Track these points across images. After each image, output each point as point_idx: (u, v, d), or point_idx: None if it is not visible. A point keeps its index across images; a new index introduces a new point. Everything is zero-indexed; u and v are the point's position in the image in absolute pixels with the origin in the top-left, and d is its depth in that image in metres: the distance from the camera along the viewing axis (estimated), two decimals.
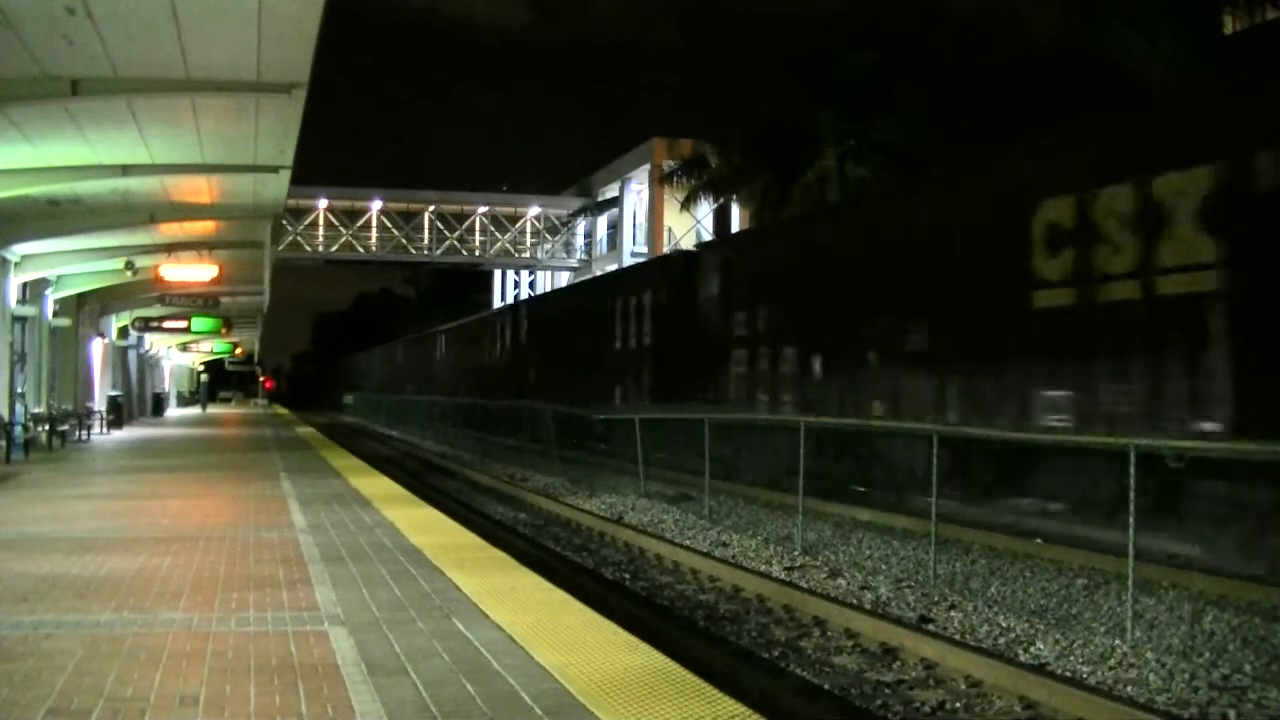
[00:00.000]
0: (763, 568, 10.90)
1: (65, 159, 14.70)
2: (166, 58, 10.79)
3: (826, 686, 7.05)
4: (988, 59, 24.30)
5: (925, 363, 14.10)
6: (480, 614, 6.22)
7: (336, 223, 51.40)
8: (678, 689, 4.71)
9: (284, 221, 42.94)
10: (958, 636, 7.99)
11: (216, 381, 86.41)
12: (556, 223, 54.57)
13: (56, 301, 24.64)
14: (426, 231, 52.40)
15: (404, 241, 52.48)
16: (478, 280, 67.84)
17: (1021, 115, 19.81)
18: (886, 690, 6.91)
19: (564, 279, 53.98)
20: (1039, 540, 11.29)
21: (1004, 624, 8.32)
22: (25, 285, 21.63)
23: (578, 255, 54.95)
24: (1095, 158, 11.63)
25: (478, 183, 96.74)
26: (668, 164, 36.92)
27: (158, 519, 10.68)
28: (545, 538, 14.06)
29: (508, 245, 53.85)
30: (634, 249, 48.52)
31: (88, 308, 28.72)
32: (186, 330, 35.69)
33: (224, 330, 38.55)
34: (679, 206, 35.48)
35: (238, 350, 59.59)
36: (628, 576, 11.15)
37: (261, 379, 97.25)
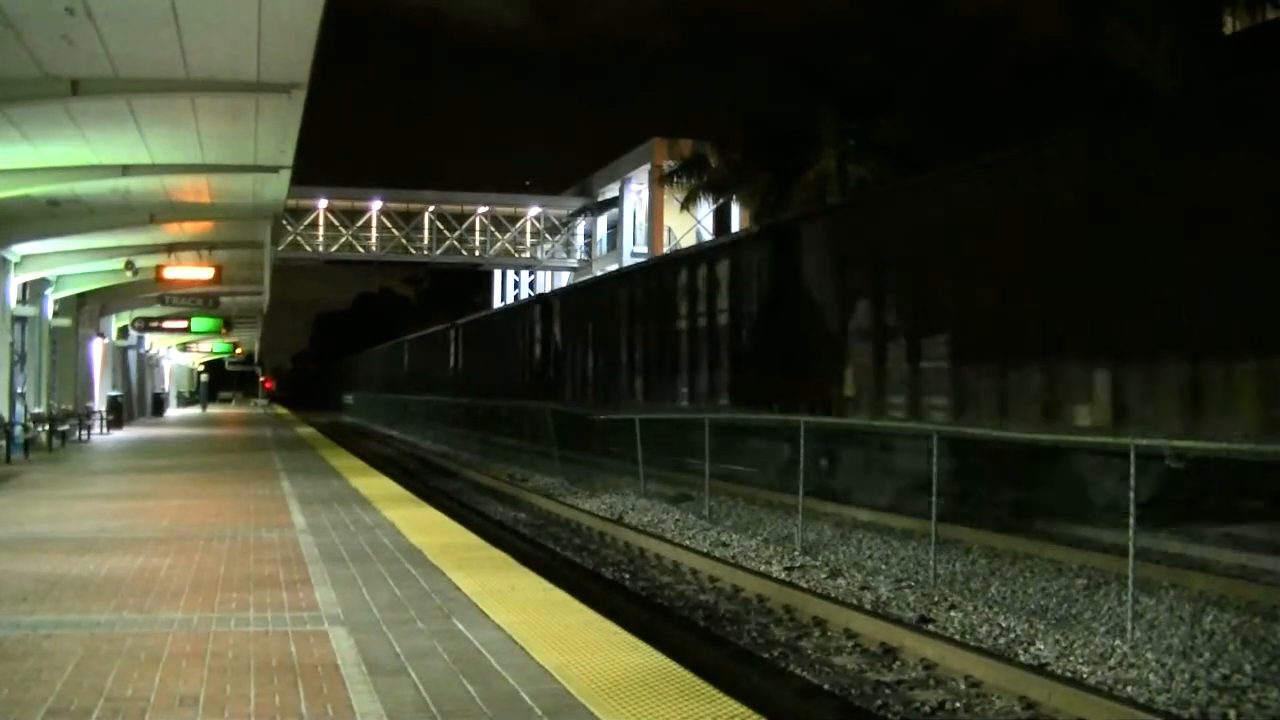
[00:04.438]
0: (763, 568, 10.90)
1: (65, 159, 14.70)
2: (166, 58, 10.79)
3: (826, 686, 7.05)
4: (987, 59, 24.31)
5: None
6: (480, 614, 6.22)
7: (336, 223, 51.40)
8: (678, 689, 4.71)
9: (284, 221, 42.93)
10: (958, 636, 7.99)
11: (216, 381, 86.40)
12: (556, 223, 54.56)
13: (56, 301, 24.66)
14: (426, 231, 52.39)
15: (404, 241, 52.47)
16: (478, 280, 67.84)
17: (1021, 116, 19.81)
18: (886, 690, 6.91)
19: (564, 279, 53.95)
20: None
21: (1004, 624, 8.32)
22: (25, 285, 21.63)
23: (578, 255, 54.95)
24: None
25: (477, 183, 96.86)
26: (668, 164, 36.85)
27: (158, 519, 10.68)
28: (545, 538, 14.06)
29: (508, 245, 53.84)
30: (634, 249, 48.53)
31: (88, 308, 28.72)
32: (186, 330, 35.72)
33: (224, 330, 38.59)
34: (679, 206, 35.45)
35: (238, 350, 59.60)
36: (628, 577, 11.14)
37: (261, 379, 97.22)
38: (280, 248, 40.69)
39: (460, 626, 5.91)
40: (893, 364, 14.51)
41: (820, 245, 16.57)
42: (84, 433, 26.91)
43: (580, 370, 26.38)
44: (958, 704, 6.61)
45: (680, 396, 20.49)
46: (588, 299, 27.16)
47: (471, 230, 53.10)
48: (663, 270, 23.09)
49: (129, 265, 23.86)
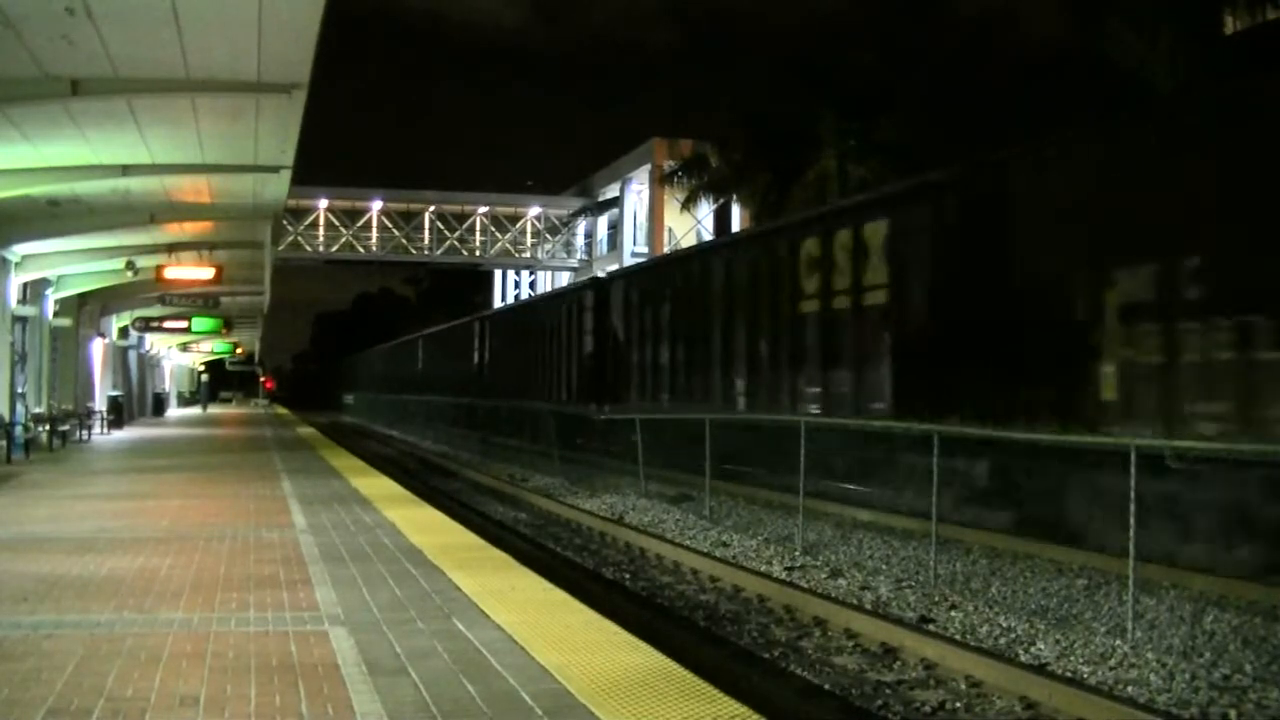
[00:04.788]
0: (763, 568, 10.90)
1: (65, 159, 14.70)
2: (166, 58, 10.79)
3: (827, 687, 7.05)
4: (987, 59, 24.30)
5: None
6: (480, 614, 6.22)
7: (337, 223, 51.39)
8: (678, 689, 4.71)
9: (284, 221, 42.89)
10: (958, 636, 7.99)
11: (217, 381, 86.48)
12: (557, 223, 54.54)
13: (57, 301, 24.66)
14: (426, 231, 52.37)
15: (404, 241, 52.45)
16: (478, 280, 67.83)
17: (1021, 116, 19.81)
18: (887, 690, 6.91)
19: (564, 279, 53.93)
20: None
21: (1004, 624, 8.32)
22: (25, 285, 21.64)
23: (578, 255, 54.93)
24: None
25: (478, 183, 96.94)
26: (668, 164, 36.89)
27: (158, 519, 10.68)
28: (545, 538, 14.07)
29: (508, 245, 53.82)
30: (634, 249, 48.51)
31: (88, 308, 28.73)
32: (187, 330, 35.73)
33: (224, 330, 38.60)
34: (679, 207, 35.46)
35: (238, 350, 59.62)
36: (628, 577, 11.15)
37: (262, 379, 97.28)
38: (280, 248, 40.68)
39: (460, 626, 5.91)
40: (1195, 355, 9.99)
41: (1053, 189, 11.81)
42: (84, 433, 26.91)
43: (652, 367, 21.68)
44: (958, 704, 6.61)
45: (805, 399, 16.00)
46: (664, 281, 22.25)
47: (472, 230, 53.08)
48: (776, 240, 17.93)
49: (129, 265, 23.87)
